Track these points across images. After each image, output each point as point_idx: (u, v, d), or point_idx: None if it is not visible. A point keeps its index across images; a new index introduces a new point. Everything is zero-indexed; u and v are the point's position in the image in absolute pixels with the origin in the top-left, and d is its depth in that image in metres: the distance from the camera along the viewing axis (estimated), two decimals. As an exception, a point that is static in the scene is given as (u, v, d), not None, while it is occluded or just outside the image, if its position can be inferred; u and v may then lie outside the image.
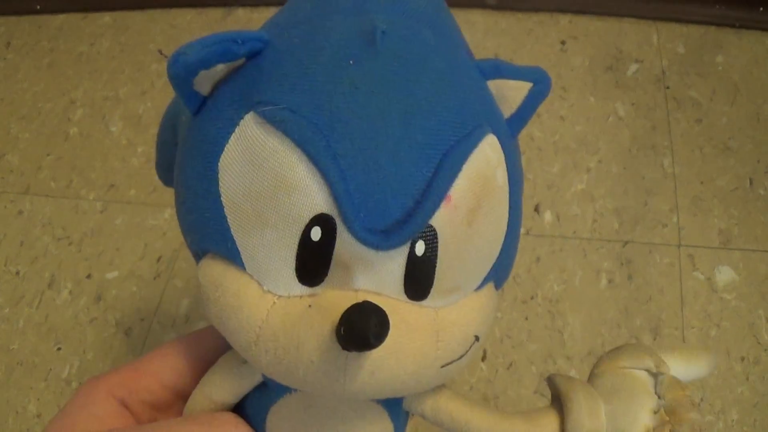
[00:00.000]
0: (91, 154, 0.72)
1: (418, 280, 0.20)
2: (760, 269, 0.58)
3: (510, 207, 0.22)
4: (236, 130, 0.20)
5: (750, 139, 0.66)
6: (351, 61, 0.19)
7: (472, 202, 0.20)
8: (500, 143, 0.21)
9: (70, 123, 0.75)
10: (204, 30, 0.80)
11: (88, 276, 0.62)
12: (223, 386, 0.24)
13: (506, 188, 0.22)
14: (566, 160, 0.66)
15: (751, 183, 0.63)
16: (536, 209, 0.63)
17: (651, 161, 0.65)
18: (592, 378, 0.25)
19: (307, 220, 0.19)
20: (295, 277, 0.20)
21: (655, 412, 0.23)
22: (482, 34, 0.77)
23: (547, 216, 0.62)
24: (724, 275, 0.58)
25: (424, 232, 0.19)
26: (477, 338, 0.22)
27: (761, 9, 0.73)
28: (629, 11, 0.76)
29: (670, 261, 0.59)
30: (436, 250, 0.20)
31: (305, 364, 0.19)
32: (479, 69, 0.22)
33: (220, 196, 0.20)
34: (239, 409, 0.25)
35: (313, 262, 0.19)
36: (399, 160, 0.18)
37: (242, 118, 0.20)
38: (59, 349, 0.58)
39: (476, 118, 0.20)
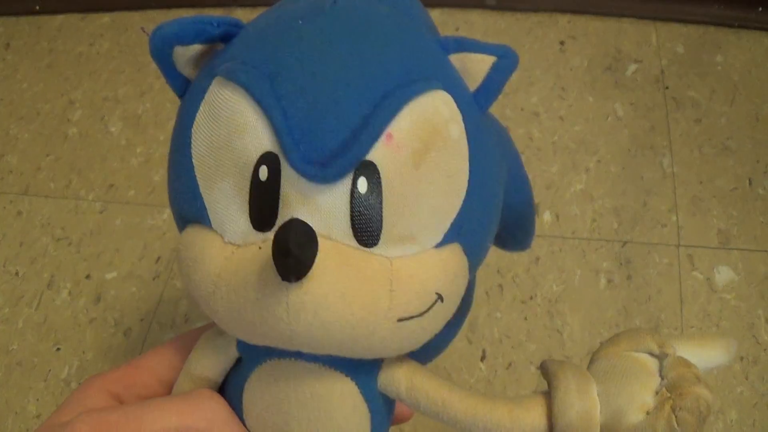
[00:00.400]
0: (90, 154, 0.72)
1: (365, 221, 0.20)
2: (759, 269, 0.58)
3: (471, 165, 0.22)
4: (204, 97, 0.21)
5: (749, 139, 0.66)
6: (300, 21, 0.21)
7: (416, 144, 0.20)
8: (457, 103, 0.22)
9: (70, 123, 0.75)
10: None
11: (88, 276, 0.62)
12: (202, 362, 0.24)
13: (464, 145, 0.22)
14: (565, 160, 0.66)
15: (750, 183, 0.63)
16: (535, 209, 0.63)
17: (650, 161, 0.65)
18: (589, 364, 0.23)
19: (255, 160, 0.20)
20: (250, 224, 0.20)
21: (657, 393, 0.21)
22: (481, 34, 0.77)
23: (546, 216, 0.62)
24: (723, 275, 0.58)
25: (366, 170, 0.20)
26: (440, 297, 0.21)
27: (760, 9, 0.73)
28: (628, 11, 0.76)
29: (669, 261, 0.59)
30: (380, 188, 0.20)
31: (251, 303, 0.19)
32: (440, 44, 0.23)
33: (191, 158, 0.22)
34: (221, 391, 0.25)
35: (263, 204, 0.20)
36: (337, 98, 0.20)
37: (210, 84, 0.21)
38: (58, 349, 0.58)
39: (425, 73, 0.21)
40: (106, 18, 0.85)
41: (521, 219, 0.32)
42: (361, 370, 0.23)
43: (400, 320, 0.20)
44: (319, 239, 0.18)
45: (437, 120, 0.21)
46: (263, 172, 0.20)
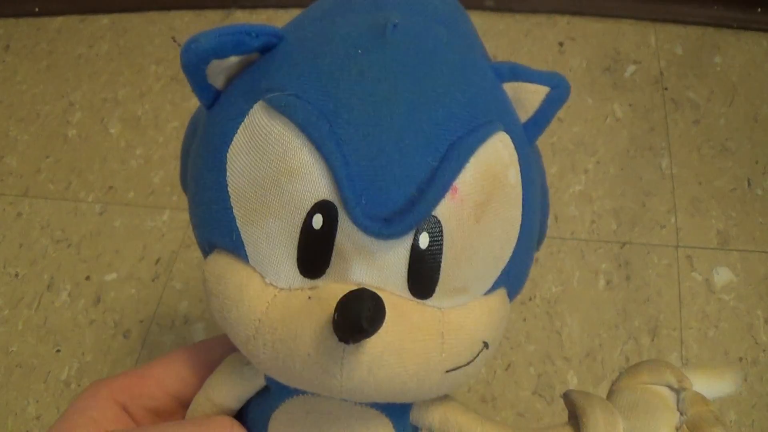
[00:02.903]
0: (89, 156, 0.72)
1: (422, 276, 0.19)
2: (758, 270, 0.58)
3: (524, 210, 0.21)
4: (245, 120, 0.20)
5: (748, 139, 0.66)
6: (360, 51, 0.19)
7: (480, 196, 0.19)
8: (514, 143, 0.21)
9: (69, 125, 0.75)
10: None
11: (87, 278, 0.62)
12: (225, 389, 0.23)
13: (519, 189, 0.21)
14: (564, 162, 0.66)
15: (749, 184, 0.63)
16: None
17: (649, 162, 0.65)
18: (610, 394, 0.24)
19: (309, 207, 0.19)
20: (297, 269, 0.19)
21: (677, 429, 0.22)
22: (480, 35, 0.77)
23: (545, 217, 0.62)
24: (722, 276, 0.58)
25: (428, 224, 0.19)
26: (486, 345, 0.21)
27: (759, 10, 0.74)
28: (627, 12, 0.76)
29: (668, 262, 0.59)
30: (441, 244, 0.19)
31: (302, 358, 0.18)
32: (495, 70, 0.22)
33: (227, 186, 0.20)
34: (241, 415, 0.24)
35: (315, 252, 0.19)
36: (403, 148, 0.18)
37: (251, 108, 0.20)
38: (58, 351, 0.58)
39: (487, 114, 0.20)
40: (105, 20, 0.85)
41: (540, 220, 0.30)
42: (397, 406, 0.22)
43: (448, 371, 0.20)
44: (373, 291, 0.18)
45: (498, 168, 0.20)
46: (318, 221, 0.19)
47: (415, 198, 0.18)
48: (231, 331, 0.20)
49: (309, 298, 0.19)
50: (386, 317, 0.18)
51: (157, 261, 0.63)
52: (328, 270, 0.19)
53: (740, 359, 0.53)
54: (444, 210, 0.19)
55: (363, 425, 0.22)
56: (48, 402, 0.56)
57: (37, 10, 0.86)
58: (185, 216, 0.66)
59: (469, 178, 0.19)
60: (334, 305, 0.17)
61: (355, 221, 0.18)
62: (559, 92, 0.22)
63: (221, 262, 0.21)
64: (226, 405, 0.24)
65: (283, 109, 0.19)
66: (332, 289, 0.19)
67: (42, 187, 0.70)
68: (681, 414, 0.22)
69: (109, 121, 0.75)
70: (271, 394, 0.23)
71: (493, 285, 0.21)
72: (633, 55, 0.74)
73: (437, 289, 0.20)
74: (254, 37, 0.20)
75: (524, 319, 0.57)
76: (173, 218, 0.66)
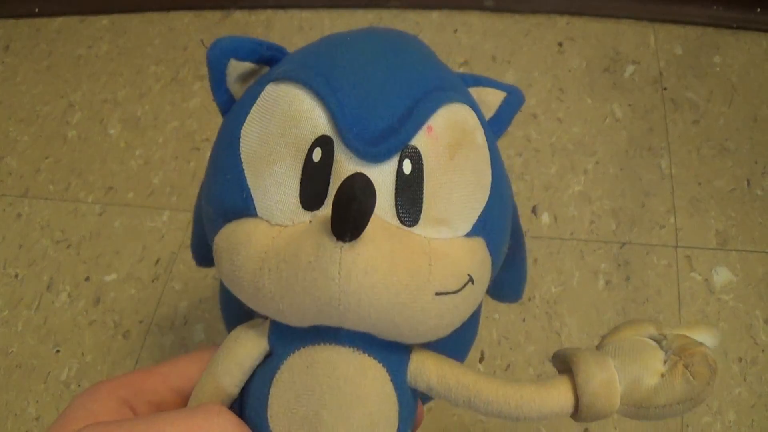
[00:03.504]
0: (89, 156, 0.72)
1: (408, 199, 0.22)
2: (758, 270, 0.58)
3: (493, 170, 0.25)
4: (257, 101, 0.24)
5: (747, 139, 0.66)
6: (348, 37, 0.25)
7: (452, 139, 0.23)
8: (478, 118, 0.25)
9: (69, 126, 0.75)
10: (202, 33, 0.81)
11: (87, 279, 0.62)
12: (229, 361, 0.24)
13: (486, 151, 0.25)
14: (563, 162, 0.66)
15: (748, 184, 0.63)
16: (534, 211, 0.63)
17: (648, 162, 0.65)
18: (597, 349, 0.25)
19: (310, 143, 0.22)
20: (300, 204, 0.22)
21: (665, 362, 0.23)
22: (480, 36, 0.77)
23: (545, 218, 0.62)
24: (722, 276, 0.58)
25: (410, 152, 0.23)
26: (471, 279, 0.23)
27: (758, 10, 0.74)
28: (626, 13, 0.76)
29: (667, 262, 0.59)
30: (422, 171, 0.23)
31: (304, 268, 0.20)
32: (461, 77, 0.27)
33: (240, 155, 0.23)
34: (240, 401, 0.25)
35: (315, 183, 0.22)
36: (385, 93, 0.23)
37: (263, 89, 0.24)
38: (58, 351, 0.58)
39: (455, 89, 0.25)
40: (104, 20, 0.85)
41: (512, 261, 0.32)
42: (394, 358, 0.24)
43: (438, 294, 0.22)
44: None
45: (466, 125, 0.24)
46: (317, 154, 0.22)
47: (395, 127, 0.22)
48: (238, 272, 0.22)
49: (309, 221, 0.22)
50: (379, 233, 0.21)
51: (157, 262, 0.63)
52: (326, 200, 0.22)
53: (739, 359, 0.53)
54: (421, 143, 0.23)
55: (361, 374, 0.23)
56: (48, 403, 0.56)
57: (36, 10, 0.86)
58: (185, 216, 0.66)
59: (441, 121, 0.23)
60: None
61: (348, 145, 0.22)
62: (514, 97, 0.28)
63: (231, 227, 0.23)
64: (230, 379, 0.24)
65: (287, 74, 0.23)
66: (329, 211, 0.21)
67: (42, 187, 0.70)
68: (667, 352, 0.24)
69: (108, 122, 0.75)
70: (273, 357, 0.24)
71: (473, 229, 0.24)
72: (632, 56, 0.74)
73: (421, 216, 0.23)
74: (266, 49, 0.25)
75: (524, 320, 0.57)
76: (173, 219, 0.66)
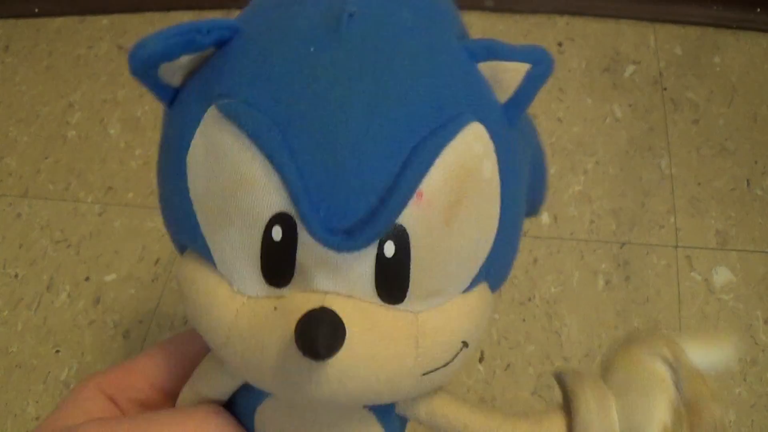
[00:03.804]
0: (89, 156, 0.72)
1: (391, 283, 0.18)
2: (758, 270, 0.58)
3: (502, 202, 0.20)
4: (200, 125, 0.19)
5: (747, 140, 0.66)
6: (312, 48, 0.18)
7: (449, 197, 0.18)
8: (489, 132, 0.19)
9: (69, 126, 0.75)
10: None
11: (87, 278, 0.62)
12: (210, 383, 0.23)
13: (496, 181, 0.19)
14: (563, 162, 0.66)
15: (748, 184, 0.63)
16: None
17: (648, 162, 0.65)
18: (604, 372, 0.23)
19: (267, 219, 0.18)
20: (262, 278, 0.19)
21: (675, 408, 0.21)
22: (480, 35, 0.76)
23: (545, 217, 0.62)
24: (722, 276, 0.58)
25: (393, 232, 0.18)
26: (465, 344, 0.20)
27: (758, 10, 0.74)
28: (626, 13, 0.76)
29: (667, 262, 0.59)
30: (409, 251, 0.18)
31: (271, 369, 0.18)
32: (468, 51, 0.20)
33: (188, 191, 0.19)
34: (228, 407, 0.25)
35: (277, 263, 0.18)
36: (361, 155, 0.17)
37: (205, 111, 0.19)
38: (58, 351, 0.58)
39: (456, 106, 0.19)
40: (104, 21, 0.85)
41: (535, 188, 0.27)
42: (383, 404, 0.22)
43: (424, 374, 0.19)
44: (340, 299, 0.18)
45: (471, 163, 0.18)
46: (277, 233, 0.18)
47: (376, 208, 0.17)
48: (204, 337, 0.20)
49: (275, 308, 0.18)
50: (357, 327, 0.17)
51: (157, 261, 0.63)
52: (293, 279, 0.19)
53: (739, 359, 0.53)
54: (409, 217, 0.18)
55: (345, 419, 0.22)
56: (47, 402, 0.56)
57: (36, 10, 0.86)
58: (185, 216, 0.66)
59: (436, 180, 0.18)
60: (299, 317, 0.17)
61: (314, 235, 0.17)
62: (541, 68, 0.20)
63: (192, 265, 0.20)
64: (212, 398, 0.24)
65: (233, 117, 0.18)
66: (298, 299, 0.18)
67: (41, 187, 0.70)
68: (678, 391, 0.22)
69: (108, 122, 0.75)
70: (255, 390, 0.23)
71: (472, 282, 0.20)
72: (632, 56, 0.74)
73: (408, 294, 0.19)
74: (205, 34, 0.19)
75: (523, 320, 0.57)
76: (173, 219, 0.66)
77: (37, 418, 0.55)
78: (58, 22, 0.86)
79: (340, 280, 0.18)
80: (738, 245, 0.59)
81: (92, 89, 0.78)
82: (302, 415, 0.22)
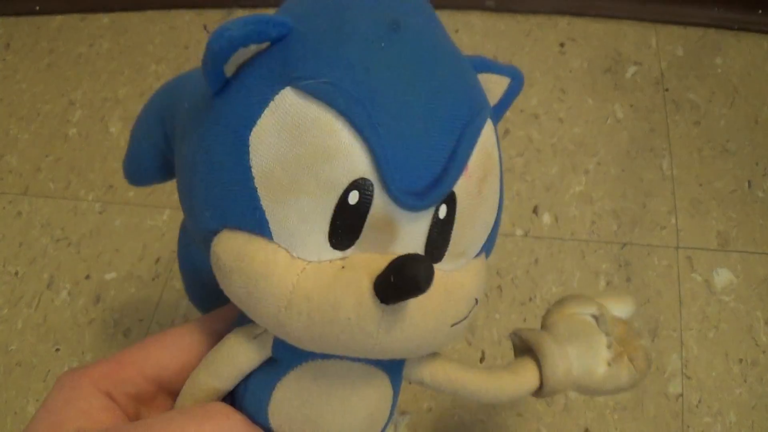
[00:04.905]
0: (90, 155, 0.72)
1: (438, 243, 0.22)
2: (759, 271, 0.58)
3: (500, 181, 0.25)
4: (270, 105, 0.20)
5: (748, 141, 0.66)
6: (382, 44, 0.21)
7: (481, 172, 0.22)
8: (493, 126, 0.24)
9: (69, 124, 0.75)
10: (203, 31, 0.81)
11: (87, 277, 0.62)
12: (229, 365, 0.24)
13: (499, 164, 0.24)
14: (564, 162, 0.66)
15: (749, 185, 0.63)
16: (534, 211, 0.63)
17: (649, 163, 0.65)
18: (546, 327, 0.29)
19: (346, 185, 0.20)
20: (327, 242, 0.21)
21: (609, 347, 0.28)
22: (481, 36, 0.77)
23: (546, 218, 0.62)
24: (723, 277, 0.58)
25: (448, 198, 0.21)
26: (476, 301, 0.24)
27: (760, 11, 0.74)
28: (628, 13, 0.76)
29: (668, 263, 0.59)
30: (455, 214, 0.22)
31: (342, 323, 0.20)
32: (471, 62, 0.25)
33: (250, 168, 0.21)
34: (235, 390, 0.25)
35: (348, 226, 0.21)
36: (428, 132, 0.21)
37: (277, 93, 0.20)
38: (58, 350, 0.58)
39: (481, 102, 0.23)
40: (105, 19, 0.85)
41: None
42: (394, 364, 0.25)
43: (453, 325, 0.22)
44: None
45: (490, 148, 0.23)
46: (354, 197, 0.20)
47: (439, 175, 0.21)
48: (258, 305, 0.21)
49: (343, 267, 0.20)
50: None
51: (157, 260, 0.63)
52: (357, 241, 0.21)
53: (740, 361, 0.53)
54: (458, 184, 0.21)
55: (366, 382, 0.24)
56: (47, 401, 0.56)
57: (37, 8, 0.86)
58: (185, 215, 0.65)
59: (475, 156, 0.22)
60: (373, 271, 0.20)
61: (392, 196, 0.20)
62: (516, 83, 0.26)
63: (239, 240, 0.21)
64: (228, 382, 0.24)
65: (320, 95, 0.20)
66: (363, 258, 0.21)
67: (42, 185, 0.70)
68: (608, 335, 0.28)
69: (109, 120, 0.75)
70: (277, 365, 0.24)
71: (481, 249, 0.24)
72: (634, 56, 0.74)
73: (446, 254, 0.22)
74: (273, 27, 0.21)
75: (524, 320, 0.57)
76: (173, 217, 0.66)
77: (36, 417, 0.55)
78: (59, 20, 0.85)
79: (399, 239, 0.21)
80: (739, 246, 0.59)
81: (93, 87, 0.78)
82: (328, 381, 0.24)
